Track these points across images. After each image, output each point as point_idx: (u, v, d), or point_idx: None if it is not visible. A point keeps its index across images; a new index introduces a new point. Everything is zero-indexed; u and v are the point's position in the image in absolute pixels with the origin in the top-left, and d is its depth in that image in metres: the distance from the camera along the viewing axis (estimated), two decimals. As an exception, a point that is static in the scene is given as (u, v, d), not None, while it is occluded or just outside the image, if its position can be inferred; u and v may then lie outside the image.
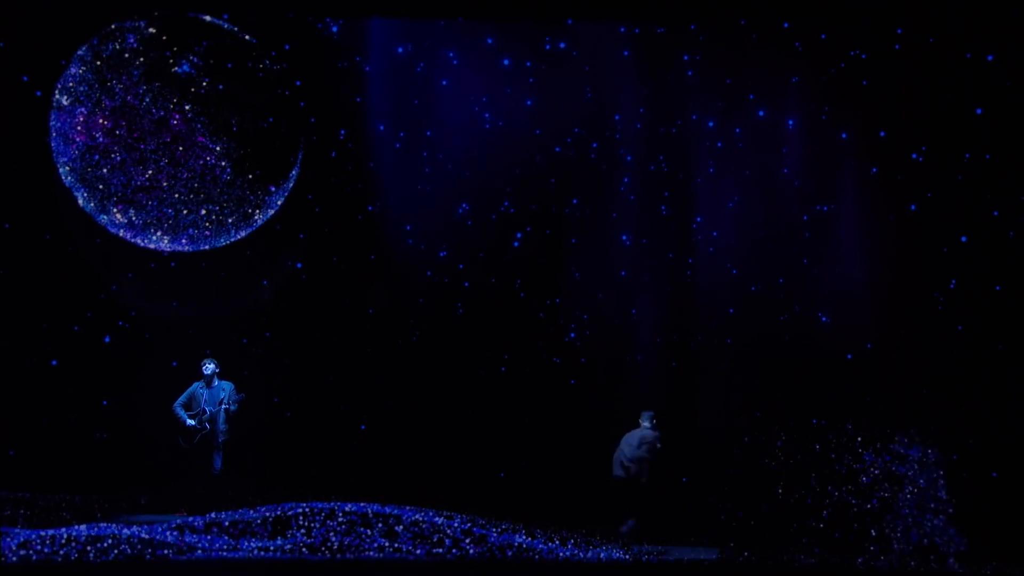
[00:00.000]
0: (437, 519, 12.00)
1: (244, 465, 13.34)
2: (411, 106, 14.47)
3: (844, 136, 14.03)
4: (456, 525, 11.99)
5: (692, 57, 14.27)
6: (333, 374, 14.33)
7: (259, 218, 13.43)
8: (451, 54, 14.45)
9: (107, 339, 14.08)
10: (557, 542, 12.02)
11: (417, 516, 12.00)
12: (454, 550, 11.82)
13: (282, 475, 13.70)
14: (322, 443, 14.15)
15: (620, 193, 14.45)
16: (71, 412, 13.85)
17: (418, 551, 11.78)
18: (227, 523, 11.84)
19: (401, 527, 11.92)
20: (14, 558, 11.06)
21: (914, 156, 13.76)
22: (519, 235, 14.53)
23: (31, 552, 11.14)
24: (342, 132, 14.43)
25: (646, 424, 13.44)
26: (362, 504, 12.04)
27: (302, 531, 11.80)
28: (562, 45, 14.38)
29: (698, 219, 14.37)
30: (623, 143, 14.45)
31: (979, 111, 13.56)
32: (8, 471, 12.83)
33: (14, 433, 13.44)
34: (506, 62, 14.38)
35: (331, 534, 11.79)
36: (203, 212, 12.93)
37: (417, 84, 14.44)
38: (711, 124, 14.31)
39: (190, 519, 11.85)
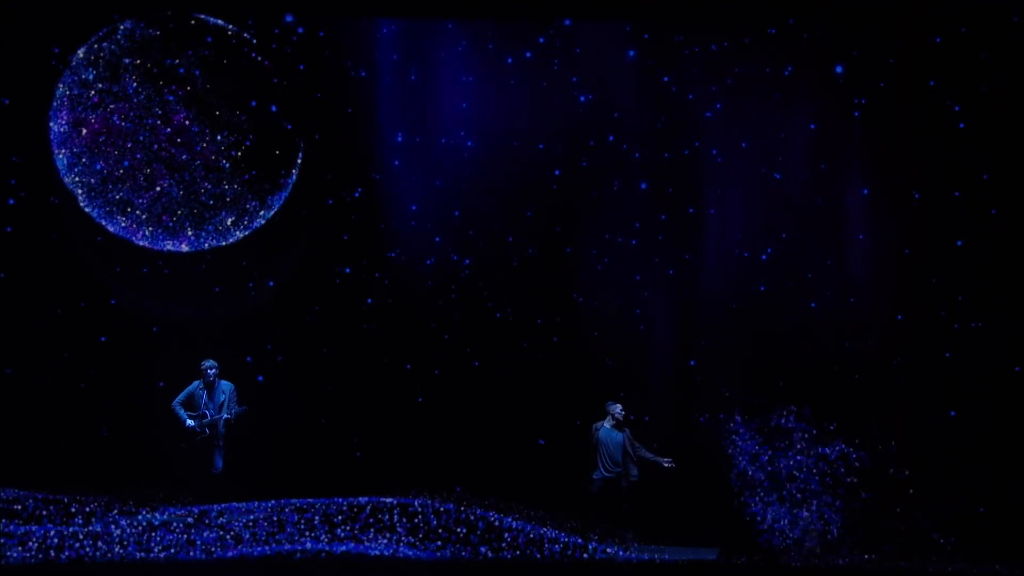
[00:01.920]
0: (435, 520, 12.03)
1: (245, 464, 13.31)
2: (413, 107, 14.43)
3: (849, 136, 14.00)
4: (453, 523, 12.03)
5: (697, 56, 14.22)
6: (333, 374, 14.31)
7: (259, 219, 13.42)
8: (453, 55, 14.41)
9: (103, 339, 14.08)
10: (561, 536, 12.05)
11: (418, 515, 12.04)
12: (454, 550, 11.85)
13: (282, 473, 13.73)
14: (322, 442, 14.15)
15: (624, 194, 14.41)
16: (70, 412, 13.84)
17: (420, 550, 11.80)
18: (227, 521, 11.85)
19: (402, 526, 11.95)
20: (14, 558, 11.06)
21: (921, 156, 13.78)
22: (521, 236, 14.51)
23: (31, 552, 11.14)
24: (342, 132, 14.41)
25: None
26: (363, 498, 12.07)
27: (303, 526, 11.81)
28: (558, 44, 14.37)
29: (704, 217, 14.36)
30: (626, 144, 14.41)
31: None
32: (7, 471, 12.81)
33: (13, 434, 13.41)
34: (508, 61, 14.34)
35: (330, 532, 11.81)
36: (202, 213, 12.93)
37: (419, 85, 14.40)
38: (714, 123, 14.27)
39: (190, 518, 11.85)
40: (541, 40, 14.34)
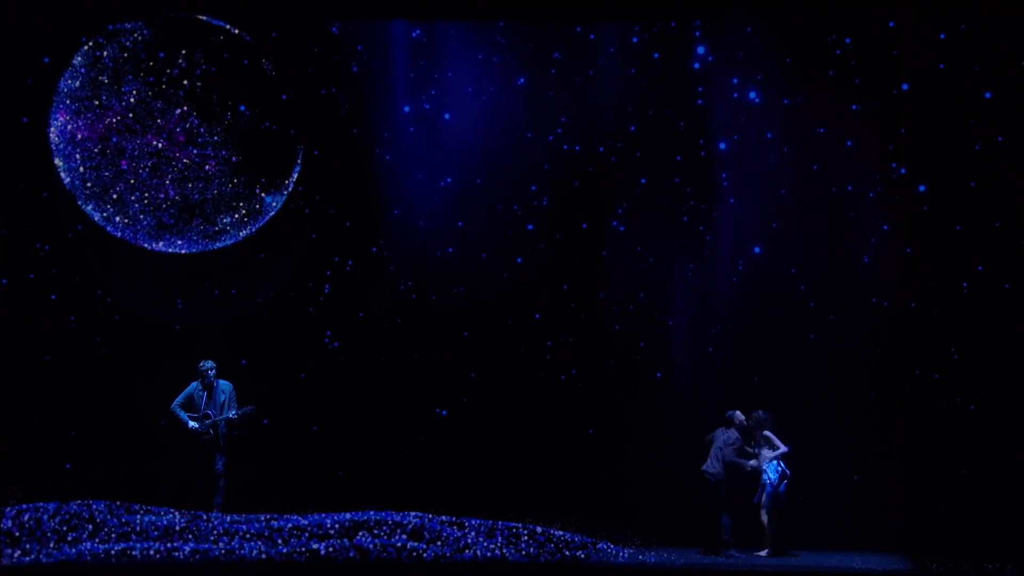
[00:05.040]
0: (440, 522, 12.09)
1: (245, 466, 13.33)
2: (420, 110, 14.40)
3: (866, 135, 13.90)
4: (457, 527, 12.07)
5: (709, 55, 14.18)
6: (332, 376, 14.33)
7: (259, 220, 13.44)
8: (458, 55, 14.37)
9: (98, 338, 14.09)
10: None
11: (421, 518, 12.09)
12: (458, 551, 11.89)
13: (281, 476, 13.78)
14: (321, 445, 14.18)
15: (636, 197, 14.37)
16: (69, 414, 13.87)
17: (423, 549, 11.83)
18: (227, 524, 11.87)
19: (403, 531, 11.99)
20: (14, 559, 11.11)
21: (925, 157, 13.73)
22: (524, 237, 14.49)
23: (30, 552, 11.18)
24: (344, 133, 14.40)
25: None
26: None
27: (321, 528, 11.86)
28: (568, 50, 14.37)
29: (716, 218, 14.36)
30: (638, 147, 14.38)
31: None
32: (7, 472, 12.88)
33: (12, 435, 13.46)
34: (514, 61, 14.33)
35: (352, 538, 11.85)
36: (203, 214, 12.96)
37: (426, 88, 14.38)
38: (730, 124, 14.22)
39: (190, 520, 11.88)
40: (556, 41, 14.31)
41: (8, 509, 11.56)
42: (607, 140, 14.37)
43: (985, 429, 13.22)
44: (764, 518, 12.65)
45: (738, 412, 13.04)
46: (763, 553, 12.65)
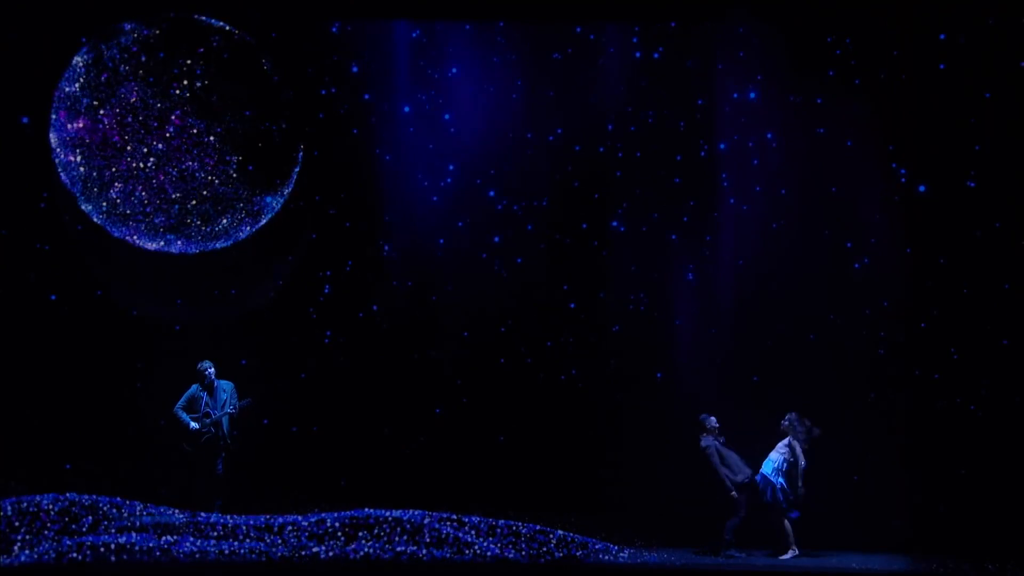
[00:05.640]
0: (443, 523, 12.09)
1: (246, 468, 13.32)
2: (420, 110, 14.38)
3: (866, 135, 13.89)
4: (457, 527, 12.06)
5: (708, 55, 14.19)
6: (337, 378, 14.31)
7: (258, 220, 13.42)
8: (462, 56, 14.38)
9: (101, 339, 14.02)
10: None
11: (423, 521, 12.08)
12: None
13: (288, 480, 13.77)
14: (338, 450, 14.16)
15: (636, 197, 14.37)
16: (69, 413, 13.84)
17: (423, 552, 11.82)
18: (227, 523, 11.86)
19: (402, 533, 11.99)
20: (14, 559, 11.10)
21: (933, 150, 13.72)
22: (529, 239, 14.48)
23: (30, 553, 11.18)
24: (343, 134, 14.39)
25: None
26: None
27: (331, 533, 11.85)
28: (568, 50, 14.36)
29: (716, 217, 14.33)
30: (638, 147, 14.37)
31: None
32: (7, 473, 12.86)
33: (12, 435, 13.45)
34: (514, 61, 14.33)
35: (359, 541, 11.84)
36: (202, 214, 12.95)
37: (426, 88, 14.36)
38: (730, 124, 14.22)
39: (191, 520, 11.87)
40: (559, 43, 14.30)
41: (7, 501, 11.55)
42: (607, 140, 14.39)
43: (985, 429, 13.24)
44: (786, 519, 12.66)
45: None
46: (789, 555, 12.63)
